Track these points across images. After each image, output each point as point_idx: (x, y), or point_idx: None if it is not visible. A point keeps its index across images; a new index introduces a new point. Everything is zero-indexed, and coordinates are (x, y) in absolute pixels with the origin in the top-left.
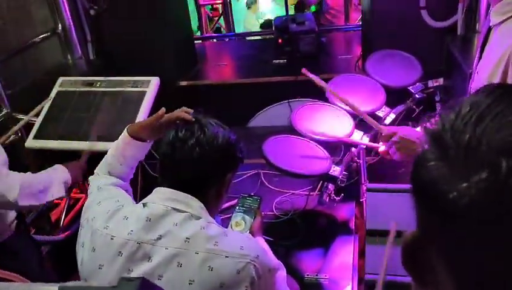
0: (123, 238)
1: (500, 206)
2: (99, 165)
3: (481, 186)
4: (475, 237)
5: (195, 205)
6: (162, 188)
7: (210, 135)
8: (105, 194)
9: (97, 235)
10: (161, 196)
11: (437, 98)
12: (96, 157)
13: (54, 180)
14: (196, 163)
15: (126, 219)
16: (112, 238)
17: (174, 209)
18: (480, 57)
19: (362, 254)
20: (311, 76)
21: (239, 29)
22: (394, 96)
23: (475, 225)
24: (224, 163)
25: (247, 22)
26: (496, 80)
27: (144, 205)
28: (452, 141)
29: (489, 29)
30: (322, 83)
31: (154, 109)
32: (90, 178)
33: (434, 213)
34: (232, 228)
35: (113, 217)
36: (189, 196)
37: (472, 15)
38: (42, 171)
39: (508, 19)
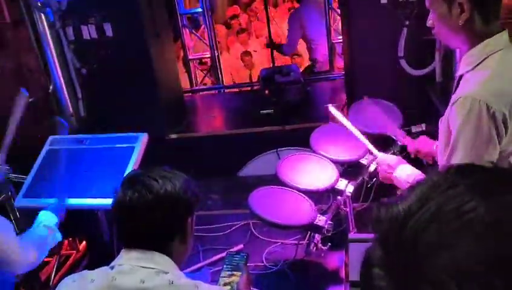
0: None
1: None
2: None
3: None
4: None
5: (162, 260)
6: (127, 249)
7: (157, 192)
8: None
9: None
10: (127, 257)
11: None
12: None
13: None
14: (152, 223)
15: (92, 281)
16: None
17: (141, 267)
18: None
19: None
20: (336, 115)
21: None
22: (378, 144)
23: None
24: (180, 212)
25: None
26: (443, 123)
27: (111, 267)
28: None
29: (460, 78)
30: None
31: (143, 164)
32: None
33: None
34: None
35: (79, 280)
36: (154, 252)
37: (448, 63)
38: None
39: (472, 69)
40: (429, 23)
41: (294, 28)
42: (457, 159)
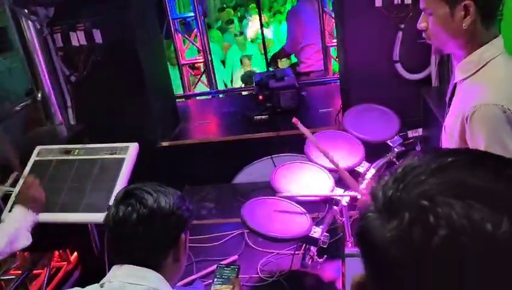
0: None
1: (405, 251)
2: None
3: (393, 233)
4: (395, 278)
5: (153, 277)
6: (118, 265)
7: (151, 206)
8: None
9: None
10: (118, 273)
11: (418, 148)
12: None
13: (19, 230)
14: (144, 239)
15: None
16: None
17: (131, 284)
18: (448, 112)
19: None
20: (301, 127)
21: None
22: (374, 150)
23: (393, 267)
24: (173, 228)
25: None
26: (455, 137)
27: (101, 285)
28: (382, 195)
29: (455, 85)
30: (310, 136)
31: (135, 173)
32: None
33: (370, 256)
34: None
35: None
36: (146, 269)
37: (445, 67)
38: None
39: (469, 76)
40: (421, 25)
41: (293, 25)
42: None
